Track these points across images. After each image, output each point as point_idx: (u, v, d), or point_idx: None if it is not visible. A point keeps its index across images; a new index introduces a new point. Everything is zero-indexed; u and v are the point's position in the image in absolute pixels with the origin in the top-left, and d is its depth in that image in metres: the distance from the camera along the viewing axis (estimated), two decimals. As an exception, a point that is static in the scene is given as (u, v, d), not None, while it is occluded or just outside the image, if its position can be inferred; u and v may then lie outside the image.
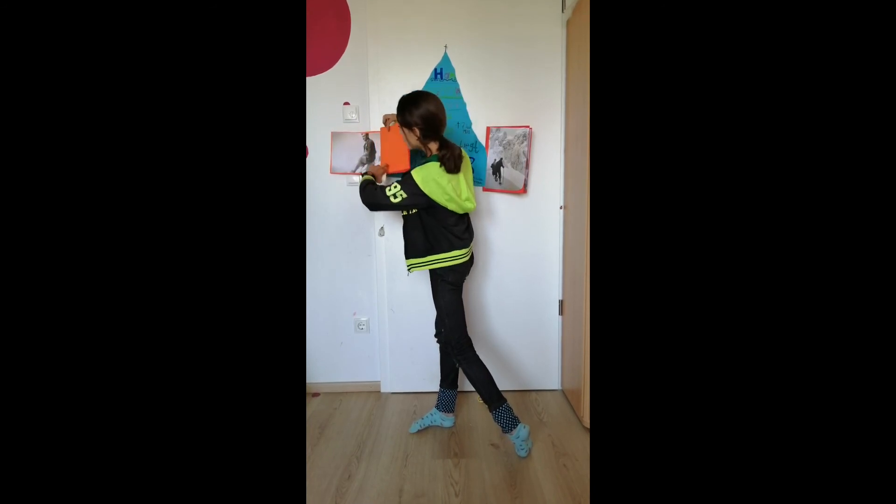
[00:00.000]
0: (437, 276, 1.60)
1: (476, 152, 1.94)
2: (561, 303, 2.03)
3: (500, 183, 1.93)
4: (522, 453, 1.59)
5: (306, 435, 1.76)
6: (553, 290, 2.03)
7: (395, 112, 1.56)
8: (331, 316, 2.08)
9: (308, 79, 1.93)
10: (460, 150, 1.52)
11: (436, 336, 1.76)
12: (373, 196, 1.50)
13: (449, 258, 1.56)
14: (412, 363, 2.08)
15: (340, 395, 2.10)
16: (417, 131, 1.48)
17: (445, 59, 1.89)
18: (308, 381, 2.13)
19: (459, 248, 1.56)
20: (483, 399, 1.60)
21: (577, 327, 1.79)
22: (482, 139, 1.93)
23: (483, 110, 1.92)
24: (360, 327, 2.09)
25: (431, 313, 2.01)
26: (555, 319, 2.05)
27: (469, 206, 1.54)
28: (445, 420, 1.78)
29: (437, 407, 1.78)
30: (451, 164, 1.47)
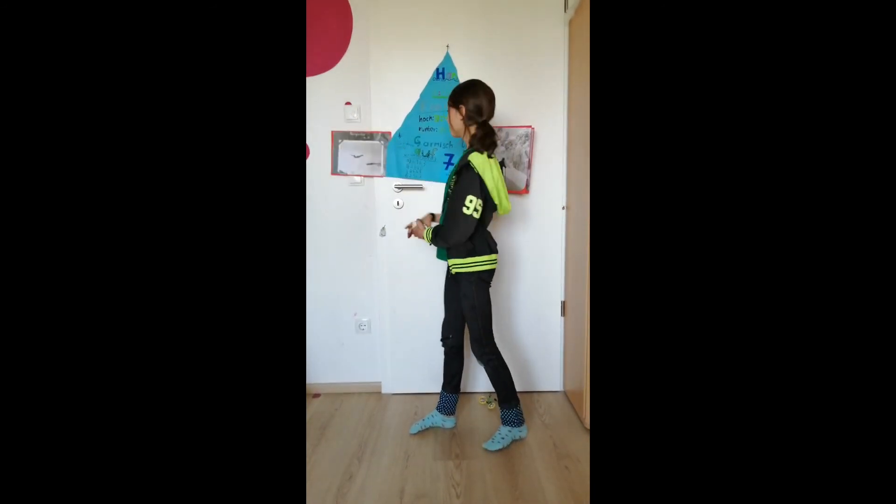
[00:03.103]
0: (470, 278, 1.57)
1: (478, 152, 1.94)
2: (563, 304, 2.03)
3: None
4: (493, 445, 1.62)
5: (307, 436, 1.75)
6: (555, 290, 2.02)
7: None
8: (332, 316, 2.08)
9: (309, 78, 1.93)
10: (496, 135, 1.56)
11: (442, 340, 1.73)
12: (461, 228, 1.47)
13: (488, 262, 1.56)
14: (413, 364, 2.07)
15: (341, 395, 2.10)
16: (464, 110, 1.51)
17: (447, 58, 1.89)
18: (309, 381, 2.12)
19: (495, 253, 1.59)
20: (500, 398, 1.65)
21: (579, 328, 1.79)
22: (484, 139, 1.93)
23: (485, 110, 1.92)
24: (361, 328, 2.09)
25: (432, 314, 2.01)
26: (557, 320, 2.04)
27: (507, 205, 1.56)
28: (446, 421, 1.78)
29: (438, 409, 1.78)
30: (488, 140, 1.51)
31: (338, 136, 1.96)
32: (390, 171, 1.95)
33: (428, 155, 1.93)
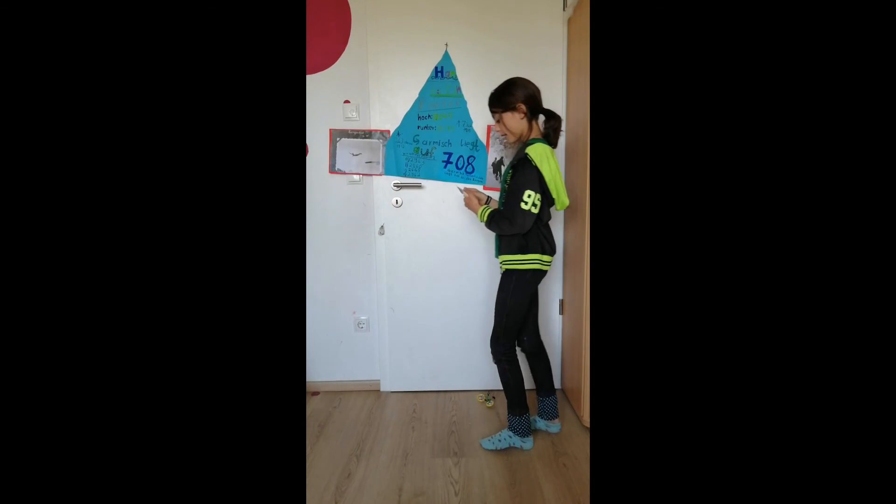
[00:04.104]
0: (516, 275, 1.51)
1: (477, 151, 1.94)
2: (561, 302, 2.03)
3: (500, 181, 1.93)
4: (489, 445, 1.61)
5: (306, 434, 1.76)
6: (554, 289, 2.02)
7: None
8: (330, 315, 2.08)
9: (308, 77, 1.92)
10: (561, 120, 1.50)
11: (518, 345, 1.64)
12: (517, 223, 1.40)
13: (537, 261, 1.49)
14: (412, 362, 2.08)
15: (340, 393, 2.10)
16: (522, 107, 1.44)
17: (446, 56, 1.89)
18: (307, 379, 2.12)
19: (549, 255, 1.51)
20: (507, 402, 1.61)
21: (577, 327, 1.79)
22: (483, 137, 1.93)
23: (484, 109, 1.90)
24: (360, 326, 2.09)
25: (431, 312, 2.02)
26: (555, 319, 2.05)
27: (564, 199, 1.50)
28: (551, 426, 1.73)
29: (539, 415, 1.73)
30: (556, 135, 1.48)
31: (336, 135, 1.96)
32: (389, 170, 1.95)
33: (427, 154, 1.93)
